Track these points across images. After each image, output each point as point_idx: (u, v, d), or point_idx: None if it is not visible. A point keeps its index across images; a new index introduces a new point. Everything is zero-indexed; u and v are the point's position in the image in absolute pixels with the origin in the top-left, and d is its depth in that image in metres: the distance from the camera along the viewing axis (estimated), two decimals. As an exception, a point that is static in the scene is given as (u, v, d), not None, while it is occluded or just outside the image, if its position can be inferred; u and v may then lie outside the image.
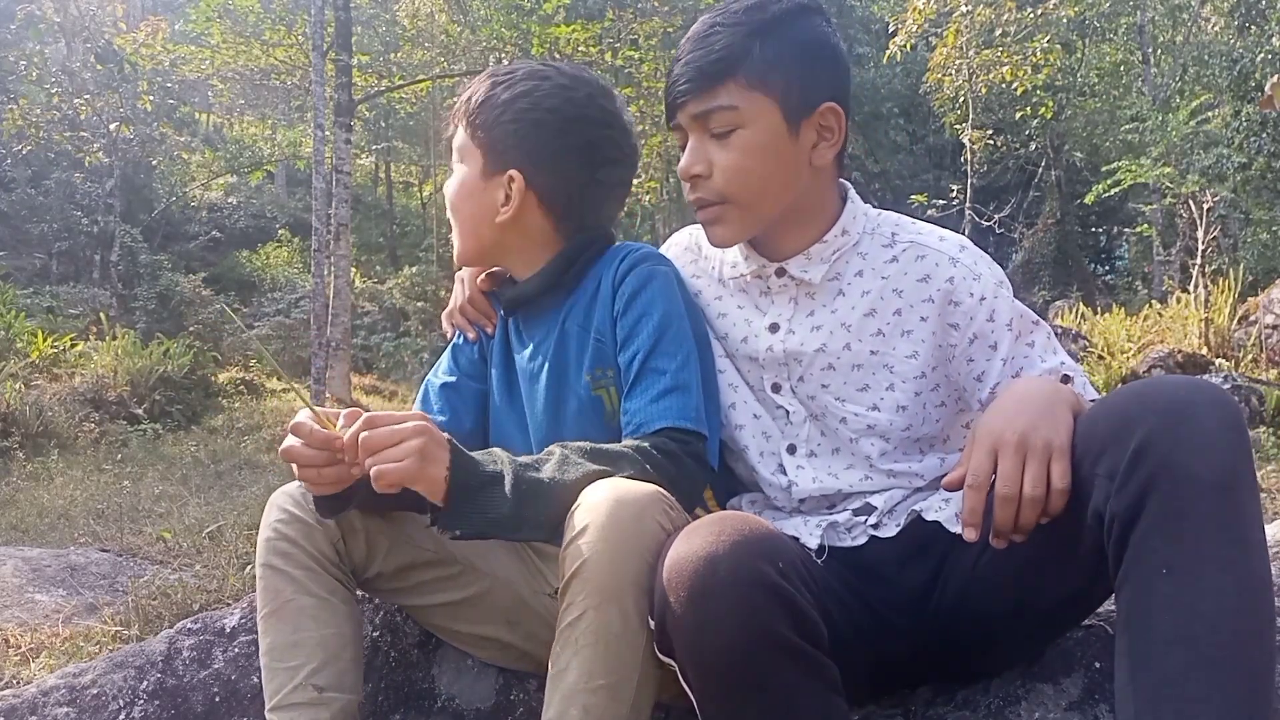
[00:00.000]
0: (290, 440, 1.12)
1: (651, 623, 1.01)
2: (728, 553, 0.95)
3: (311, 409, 1.14)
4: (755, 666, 0.95)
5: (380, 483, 1.05)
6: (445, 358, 1.49)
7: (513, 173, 1.32)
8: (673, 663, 1.00)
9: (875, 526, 1.26)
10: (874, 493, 1.28)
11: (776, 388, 1.32)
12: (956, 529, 1.18)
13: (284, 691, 1.19)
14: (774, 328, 1.31)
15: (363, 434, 1.06)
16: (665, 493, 1.09)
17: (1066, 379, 1.24)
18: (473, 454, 1.11)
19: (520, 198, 1.33)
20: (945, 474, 1.27)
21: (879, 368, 1.27)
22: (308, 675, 1.19)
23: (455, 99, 1.40)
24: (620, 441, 1.21)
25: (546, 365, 1.35)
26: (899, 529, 1.25)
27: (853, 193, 1.34)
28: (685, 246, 1.46)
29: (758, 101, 1.22)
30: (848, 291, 1.29)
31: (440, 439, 1.09)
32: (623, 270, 1.32)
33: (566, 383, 1.34)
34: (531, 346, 1.38)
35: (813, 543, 1.25)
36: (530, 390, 1.38)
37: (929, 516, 1.23)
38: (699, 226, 1.45)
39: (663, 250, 1.47)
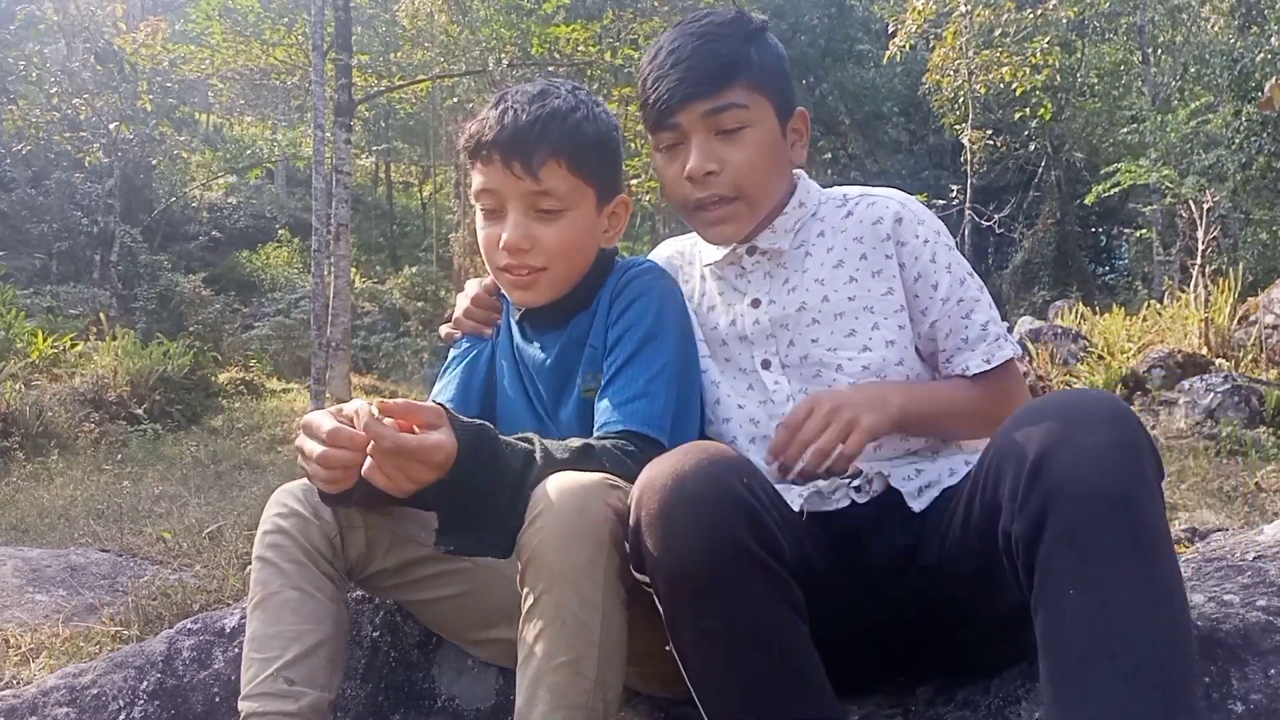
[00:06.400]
0: (321, 447, 1.12)
1: (628, 546, 1.05)
2: (694, 468, 1.01)
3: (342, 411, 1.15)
4: (718, 572, 0.98)
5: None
6: (446, 373, 1.50)
7: (623, 196, 1.41)
8: (645, 578, 1.03)
9: (857, 490, 1.28)
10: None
11: (766, 364, 1.38)
12: (916, 505, 1.25)
13: (256, 681, 1.20)
14: (756, 303, 1.39)
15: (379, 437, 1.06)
16: (611, 477, 1.11)
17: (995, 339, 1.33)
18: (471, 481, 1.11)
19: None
20: (931, 443, 1.34)
21: (860, 311, 1.34)
22: (281, 667, 1.20)
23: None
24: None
25: (550, 363, 1.39)
26: (873, 494, 1.28)
27: (802, 174, 1.45)
28: (668, 257, 1.54)
29: (760, 102, 1.33)
30: (814, 252, 1.39)
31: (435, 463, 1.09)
32: (622, 283, 1.38)
33: (566, 387, 1.39)
34: (539, 344, 1.42)
35: (795, 505, 1.27)
36: (535, 384, 1.42)
37: (894, 483, 1.27)
38: (682, 238, 1.54)
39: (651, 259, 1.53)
